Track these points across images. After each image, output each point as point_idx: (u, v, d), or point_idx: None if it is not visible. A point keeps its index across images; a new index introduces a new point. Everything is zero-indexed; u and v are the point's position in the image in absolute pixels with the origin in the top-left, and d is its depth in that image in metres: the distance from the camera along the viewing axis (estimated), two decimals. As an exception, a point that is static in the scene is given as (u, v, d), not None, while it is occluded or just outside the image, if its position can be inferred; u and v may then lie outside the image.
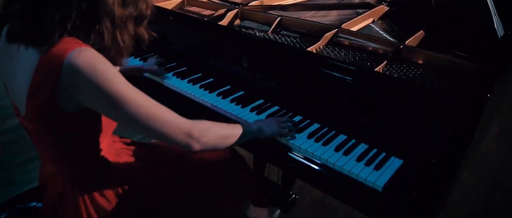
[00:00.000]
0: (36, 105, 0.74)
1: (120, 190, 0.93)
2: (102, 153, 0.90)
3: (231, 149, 1.29)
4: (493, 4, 1.20)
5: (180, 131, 0.82)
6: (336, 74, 1.06)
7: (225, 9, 1.57)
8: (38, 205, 1.17)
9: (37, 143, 0.87)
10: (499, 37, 1.16)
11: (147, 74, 1.44)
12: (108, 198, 0.91)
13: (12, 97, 0.84)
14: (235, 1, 1.68)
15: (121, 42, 0.76)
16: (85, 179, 0.90)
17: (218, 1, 1.71)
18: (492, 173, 2.06)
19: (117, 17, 0.73)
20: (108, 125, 0.86)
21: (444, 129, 0.91)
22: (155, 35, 0.88)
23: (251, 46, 1.26)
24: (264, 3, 1.68)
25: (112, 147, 0.95)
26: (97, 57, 0.71)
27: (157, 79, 1.41)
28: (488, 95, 0.85)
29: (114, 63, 0.76)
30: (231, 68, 1.33)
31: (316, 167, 1.00)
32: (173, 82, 1.36)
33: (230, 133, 0.95)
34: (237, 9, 1.55)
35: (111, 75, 0.72)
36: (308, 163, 1.02)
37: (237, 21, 1.55)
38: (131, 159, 0.99)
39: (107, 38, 0.73)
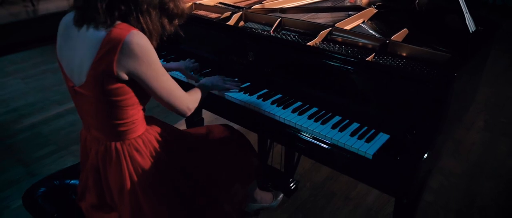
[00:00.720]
0: (99, 73, 0.93)
1: (153, 152, 1.11)
2: (138, 121, 1.08)
3: (241, 136, 1.47)
4: (465, 5, 1.39)
5: (183, 105, 1.11)
6: (332, 63, 1.24)
7: (230, 12, 1.74)
8: (71, 182, 1.33)
9: (87, 110, 1.04)
10: (470, 32, 1.34)
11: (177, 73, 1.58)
12: (144, 156, 1.08)
13: (68, 71, 1.02)
14: (238, 5, 1.86)
15: (149, 28, 0.97)
16: (125, 139, 1.07)
17: (222, 5, 1.89)
18: (477, 163, 2.24)
19: (144, 8, 0.94)
20: (142, 98, 1.04)
21: (423, 107, 1.08)
22: (182, 33, 1.08)
23: (263, 43, 1.44)
24: (265, 7, 1.86)
25: (143, 120, 1.12)
26: (145, 39, 0.94)
27: (186, 79, 1.55)
28: (455, 74, 1.03)
29: (153, 42, 1.00)
30: (244, 65, 1.49)
31: (319, 143, 1.17)
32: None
33: (200, 97, 1.22)
34: (241, 12, 1.72)
35: (153, 55, 0.96)
36: (313, 141, 1.18)
37: (241, 23, 1.73)
38: (157, 134, 1.16)
39: (142, 25, 0.95)
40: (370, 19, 1.73)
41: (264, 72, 1.43)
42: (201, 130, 1.42)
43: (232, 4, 1.89)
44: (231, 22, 1.64)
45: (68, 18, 1.02)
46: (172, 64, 1.56)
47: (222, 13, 1.78)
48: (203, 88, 1.26)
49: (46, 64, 3.59)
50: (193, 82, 1.51)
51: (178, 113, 1.13)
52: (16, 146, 2.37)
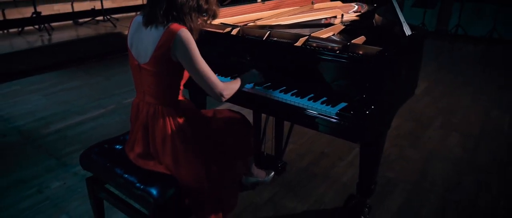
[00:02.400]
0: (159, 55, 1.41)
1: (188, 115, 1.57)
2: (179, 92, 1.55)
3: (243, 117, 1.92)
4: (403, 18, 1.93)
5: (218, 90, 1.50)
6: (307, 58, 1.75)
7: (231, 28, 2.27)
8: (116, 146, 1.77)
9: (147, 81, 1.50)
10: (406, 35, 1.88)
11: None
12: (187, 116, 1.54)
13: (135, 53, 1.50)
14: (237, 24, 2.39)
15: (191, 26, 1.44)
16: (171, 105, 1.53)
17: (225, 25, 2.42)
18: (431, 151, 2.73)
19: (188, 13, 1.42)
20: (187, 75, 1.52)
21: (366, 81, 1.59)
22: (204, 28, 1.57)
23: (257, 47, 1.95)
24: (257, 24, 2.40)
25: (181, 93, 1.58)
26: (189, 34, 1.40)
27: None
28: (386, 53, 1.55)
29: (194, 34, 1.45)
30: (243, 64, 1.99)
31: (300, 108, 1.65)
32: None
33: (237, 87, 1.63)
34: (239, 28, 2.25)
35: (194, 46, 1.41)
36: (298, 107, 1.66)
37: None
38: (188, 105, 1.62)
39: (188, 24, 1.43)
40: (339, 32, 2.27)
41: (258, 68, 1.93)
42: (212, 112, 1.88)
43: (231, 23, 2.42)
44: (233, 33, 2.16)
45: (139, 18, 1.51)
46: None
47: (224, 30, 2.31)
48: (242, 79, 1.67)
49: (63, 84, 4.05)
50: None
51: (213, 96, 1.50)
52: (46, 145, 2.78)
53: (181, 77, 1.54)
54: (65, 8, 5.62)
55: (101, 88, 3.95)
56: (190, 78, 1.55)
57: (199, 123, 1.66)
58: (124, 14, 6.37)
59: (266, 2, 2.83)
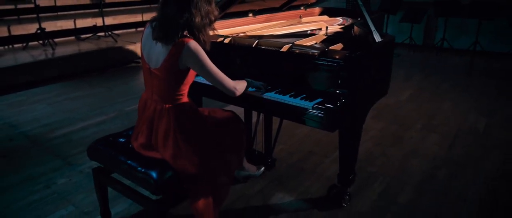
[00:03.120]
0: (168, 65, 1.62)
1: (190, 115, 1.77)
2: (185, 94, 1.76)
3: (236, 116, 2.12)
4: (374, 26, 2.18)
5: (231, 86, 1.76)
6: (289, 61, 1.98)
7: (223, 38, 2.50)
8: (121, 140, 1.97)
9: (155, 83, 1.71)
10: (377, 41, 2.12)
11: None
12: (184, 116, 1.74)
13: (147, 58, 1.70)
14: (229, 34, 2.63)
15: (205, 38, 1.66)
16: (174, 105, 1.73)
17: (218, 35, 2.66)
18: (411, 149, 2.94)
19: (200, 29, 1.64)
20: (189, 82, 1.73)
21: (337, 79, 1.81)
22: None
23: (247, 53, 2.19)
24: (247, 34, 2.64)
25: (187, 94, 1.79)
26: (196, 45, 1.61)
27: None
28: (352, 55, 1.78)
29: (202, 46, 1.66)
30: (234, 68, 2.22)
31: (282, 103, 1.88)
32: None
33: (245, 86, 1.88)
34: (231, 38, 2.49)
35: (202, 54, 1.62)
36: (279, 102, 1.88)
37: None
38: (192, 106, 1.83)
39: (201, 39, 1.64)
40: (322, 41, 2.51)
41: (246, 71, 2.17)
42: (208, 111, 2.08)
43: (224, 35, 2.67)
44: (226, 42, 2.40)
45: (148, 28, 1.72)
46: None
47: (217, 39, 2.55)
48: (249, 83, 1.94)
49: (67, 94, 4.27)
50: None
51: (228, 92, 1.75)
52: (52, 147, 2.98)
53: (186, 83, 1.75)
54: (68, 24, 5.89)
55: (103, 98, 4.16)
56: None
57: (198, 120, 1.87)
58: (124, 30, 6.64)
59: (257, 16, 3.10)
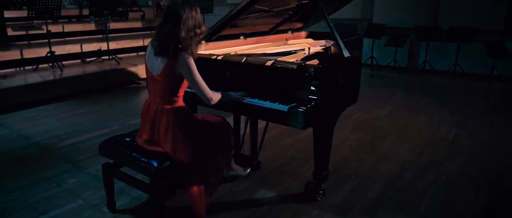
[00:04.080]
0: (167, 71, 2.01)
1: (186, 115, 2.14)
2: (181, 97, 2.14)
3: (225, 121, 2.48)
4: (343, 43, 2.58)
5: (208, 95, 2.12)
6: (271, 73, 2.36)
7: (216, 56, 2.90)
8: (127, 139, 2.32)
9: (158, 87, 2.09)
10: (345, 56, 2.51)
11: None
12: (182, 116, 2.11)
13: (150, 67, 2.09)
14: (221, 53, 3.03)
15: (193, 49, 2.05)
16: (172, 105, 2.10)
17: (212, 54, 3.05)
18: (383, 155, 3.29)
19: (187, 42, 2.04)
20: (184, 87, 2.12)
21: (306, 88, 2.19)
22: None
23: (236, 67, 2.57)
24: (238, 53, 3.04)
25: (182, 98, 2.18)
26: (189, 57, 2.01)
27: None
28: (320, 66, 2.16)
29: (192, 56, 2.05)
30: (225, 80, 2.60)
31: (264, 107, 2.24)
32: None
33: (220, 97, 2.24)
34: (223, 55, 2.88)
35: (192, 65, 2.02)
36: (262, 106, 2.25)
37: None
38: (188, 109, 2.21)
39: (190, 52, 2.03)
40: (302, 59, 2.91)
41: (235, 83, 2.55)
42: (201, 116, 2.45)
43: (217, 53, 3.07)
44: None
45: (151, 48, 2.11)
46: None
47: (211, 57, 2.95)
48: (226, 96, 2.28)
49: (74, 110, 4.63)
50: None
51: (205, 100, 2.13)
52: (62, 155, 3.32)
53: (181, 87, 2.14)
54: (75, 48, 6.33)
55: (107, 114, 4.53)
56: (185, 93, 2.18)
57: (192, 120, 2.23)
58: (127, 54, 7.09)
59: (247, 39, 3.52)
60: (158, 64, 2.06)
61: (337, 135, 3.79)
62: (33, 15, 5.43)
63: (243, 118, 2.99)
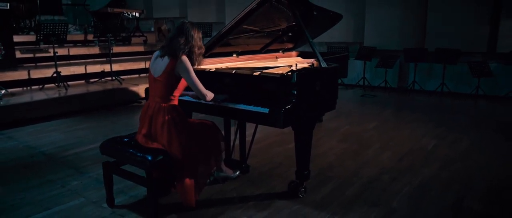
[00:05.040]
0: (168, 71, 2.33)
1: (180, 113, 2.43)
2: (177, 97, 2.44)
3: (216, 126, 2.75)
4: (322, 58, 2.88)
5: (204, 92, 2.46)
6: (256, 81, 2.65)
7: (209, 68, 3.20)
8: (125, 139, 2.58)
9: (158, 87, 2.39)
10: (323, 67, 2.81)
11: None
12: (176, 113, 2.39)
13: (153, 71, 2.41)
14: (214, 67, 3.33)
15: (195, 59, 2.40)
16: (169, 104, 2.40)
17: (206, 68, 3.36)
18: (363, 161, 3.52)
19: (192, 47, 2.37)
20: (182, 87, 2.42)
21: (285, 93, 2.47)
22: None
23: (227, 77, 2.87)
24: (229, 67, 3.34)
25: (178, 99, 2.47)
26: (188, 61, 2.36)
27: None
28: (297, 73, 2.45)
29: (193, 63, 2.41)
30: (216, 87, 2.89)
31: (249, 111, 2.51)
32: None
33: (213, 95, 2.54)
34: (214, 68, 3.18)
35: (190, 67, 2.36)
36: (247, 110, 2.52)
37: (215, 73, 3.17)
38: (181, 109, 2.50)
39: (192, 57, 2.39)
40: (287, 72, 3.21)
41: (226, 90, 2.83)
42: (194, 120, 2.73)
43: (209, 68, 3.37)
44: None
45: (157, 53, 2.46)
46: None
47: (204, 70, 3.25)
48: (215, 96, 2.63)
49: (77, 125, 4.91)
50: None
51: (201, 95, 2.49)
52: (66, 161, 3.56)
53: (178, 88, 2.46)
54: (80, 70, 6.68)
55: (109, 129, 4.79)
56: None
57: (185, 119, 2.52)
58: (129, 76, 7.44)
59: (240, 56, 3.84)
60: (161, 66, 2.40)
61: (324, 145, 4.04)
62: (41, 38, 5.80)
63: (232, 129, 3.25)
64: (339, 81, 8.05)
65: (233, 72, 2.91)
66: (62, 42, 6.28)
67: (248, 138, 3.27)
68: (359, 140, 4.22)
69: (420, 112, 5.77)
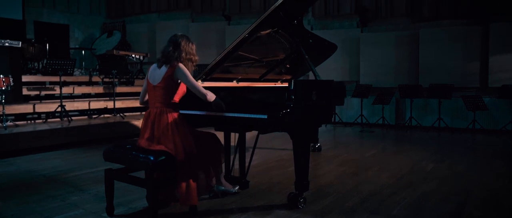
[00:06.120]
0: (167, 77, 2.47)
1: (182, 118, 2.52)
2: (178, 101, 2.55)
3: (217, 138, 2.83)
4: (317, 73, 3.03)
5: (203, 92, 2.59)
6: (257, 93, 2.78)
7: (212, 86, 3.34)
8: (128, 146, 2.65)
9: (157, 94, 2.52)
10: (318, 78, 2.94)
11: None
12: (179, 116, 2.49)
13: (152, 79, 2.55)
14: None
15: (190, 65, 2.57)
16: (170, 108, 2.51)
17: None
18: (353, 173, 3.55)
19: (184, 61, 2.53)
20: (181, 92, 2.55)
21: (287, 98, 2.59)
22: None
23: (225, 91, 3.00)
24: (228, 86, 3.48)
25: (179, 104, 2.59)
26: (185, 67, 2.52)
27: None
28: (293, 81, 2.58)
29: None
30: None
31: (250, 117, 2.61)
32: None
33: (214, 97, 2.66)
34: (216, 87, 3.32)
35: (187, 72, 2.52)
36: (248, 117, 2.62)
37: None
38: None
39: (187, 64, 2.54)
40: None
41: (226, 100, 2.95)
42: (196, 130, 2.80)
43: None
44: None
45: (154, 66, 2.61)
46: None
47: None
48: (216, 98, 2.70)
49: (78, 154, 4.95)
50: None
51: (201, 96, 2.61)
52: (66, 181, 3.58)
53: (177, 93, 2.59)
54: (83, 105, 6.84)
55: (109, 156, 4.83)
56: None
57: (187, 124, 2.61)
58: (131, 113, 7.59)
59: (240, 82, 4.00)
60: (159, 74, 2.55)
61: (323, 168, 4.07)
62: (50, 71, 6.04)
63: (232, 142, 3.32)
64: (337, 119, 8.18)
65: (237, 85, 3.06)
66: (70, 74, 6.52)
67: (247, 157, 3.33)
68: (358, 164, 4.25)
69: (418, 143, 5.83)
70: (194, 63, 2.69)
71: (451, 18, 7.46)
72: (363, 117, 7.87)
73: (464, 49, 7.17)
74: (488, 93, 7.02)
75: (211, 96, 2.67)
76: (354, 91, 7.87)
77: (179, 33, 2.71)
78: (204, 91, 2.63)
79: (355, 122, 8.08)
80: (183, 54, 2.58)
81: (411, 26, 7.93)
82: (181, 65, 2.54)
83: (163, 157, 2.35)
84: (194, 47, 2.70)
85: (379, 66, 8.03)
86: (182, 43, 2.61)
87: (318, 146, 5.01)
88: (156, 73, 2.61)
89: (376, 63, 8.06)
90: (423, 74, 7.62)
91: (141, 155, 2.37)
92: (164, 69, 2.57)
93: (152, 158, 2.31)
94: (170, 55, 2.56)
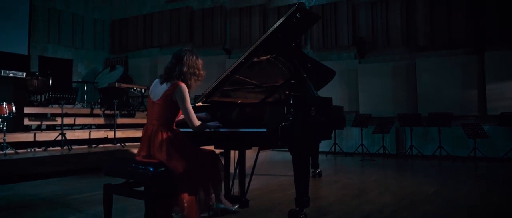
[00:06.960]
0: (166, 96, 2.49)
1: (178, 135, 2.53)
2: (175, 120, 2.56)
3: (217, 156, 2.83)
4: (315, 90, 3.09)
5: (194, 121, 2.58)
6: (250, 108, 2.82)
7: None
8: (126, 159, 2.65)
9: (156, 111, 2.53)
10: (314, 94, 2.99)
11: None
12: (175, 133, 2.50)
13: (152, 96, 2.58)
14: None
15: (191, 83, 2.59)
16: (166, 126, 2.51)
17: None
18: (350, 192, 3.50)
19: (187, 76, 2.58)
20: (179, 112, 2.57)
21: (280, 117, 2.62)
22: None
23: (224, 106, 3.04)
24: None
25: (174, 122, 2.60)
26: (185, 87, 2.53)
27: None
28: (290, 95, 2.63)
29: (186, 83, 2.57)
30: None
31: (250, 132, 2.64)
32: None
33: (202, 124, 2.66)
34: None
35: (187, 95, 2.53)
36: (249, 132, 2.65)
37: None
38: (179, 131, 2.61)
39: (188, 82, 2.57)
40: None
41: (226, 117, 2.98)
42: (197, 148, 2.80)
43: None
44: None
45: (156, 81, 2.64)
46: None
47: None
48: (204, 125, 2.71)
49: (78, 181, 4.91)
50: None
51: (190, 125, 2.59)
52: (64, 203, 3.53)
53: (176, 112, 2.60)
54: (84, 135, 6.86)
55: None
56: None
57: (183, 138, 2.62)
58: (132, 143, 7.58)
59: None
60: (160, 90, 2.57)
61: (324, 192, 4.02)
62: (52, 100, 6.11)
63: (232, 160, 3.32)
64: (338, 148, 8.15)
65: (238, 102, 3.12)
66: (72, 103, 6.58)
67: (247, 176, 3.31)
68: (359, 187, 4.21)
69: (421, 171, 5.78)
70: (200, 78, 2.68)
71: (446, 48, 7.64)
72: (363, 147, 7.84)
73: (461, 78, 7.28)
74: (487, 121, 7.05)
75: (197, 123, 2.62)
76: (354, 121, 7.90)
77: (185, 48, 2.74)
78: (195, 121, 2.61)
79: (356, 151, 8.03)
80: (185, 69, 2.57)
81: (408, 56, 8.11)
82: (182, 85, 2.53)
83: (163, 169, 2.35)
84: (199, 61, 2.68)
85: (378, 96, 8.12)
86: (185, 57, 2.61)
87: (319, 171, 4.97)
88: (157, 89, 2.62)
89: (375, 93, 8.16)
90: (422, 103, 7.69)
91: (140, 167, 2.37)
92: (165, 86, 2.57)
93: (151, 169, 2.31)
94: (171, 71, 2.58)
